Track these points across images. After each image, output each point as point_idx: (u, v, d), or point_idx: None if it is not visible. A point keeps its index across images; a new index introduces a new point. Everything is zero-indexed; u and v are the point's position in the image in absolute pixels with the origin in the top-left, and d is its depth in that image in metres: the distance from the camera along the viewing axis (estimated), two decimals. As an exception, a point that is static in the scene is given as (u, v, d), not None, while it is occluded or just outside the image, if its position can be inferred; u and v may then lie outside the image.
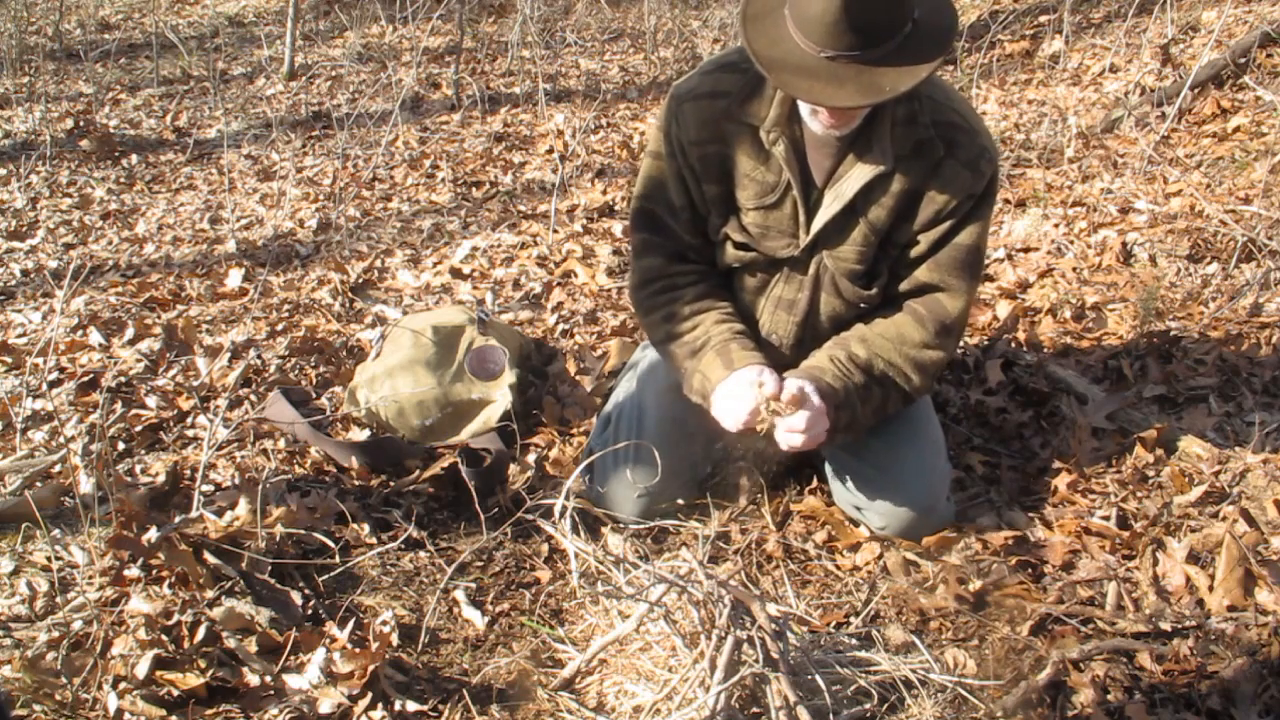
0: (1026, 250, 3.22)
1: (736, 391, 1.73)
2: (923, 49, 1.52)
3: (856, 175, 1.72)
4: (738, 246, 1.85)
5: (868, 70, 1.50)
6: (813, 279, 1.84)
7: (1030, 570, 1.89)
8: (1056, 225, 3.33)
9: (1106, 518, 1.98)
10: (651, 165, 1.86)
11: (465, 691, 1.60)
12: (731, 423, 1.75)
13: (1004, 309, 2.77)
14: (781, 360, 1.95)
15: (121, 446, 2.26)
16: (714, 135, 1.77)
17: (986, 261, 3.13)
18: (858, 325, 1.88)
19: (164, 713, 1.50)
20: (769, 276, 1.88)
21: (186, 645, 1.59)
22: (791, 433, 1.69)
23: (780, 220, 1.80)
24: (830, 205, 1.75)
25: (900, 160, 1.70)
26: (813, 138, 1.72)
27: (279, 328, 2.88)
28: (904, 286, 1.84)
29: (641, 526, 2.00)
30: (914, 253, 1.80)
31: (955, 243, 1.77)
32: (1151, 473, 2.10)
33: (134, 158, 4.64)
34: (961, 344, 2.59)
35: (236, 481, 2.08)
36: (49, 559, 1.81)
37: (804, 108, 1.67)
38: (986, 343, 2.61)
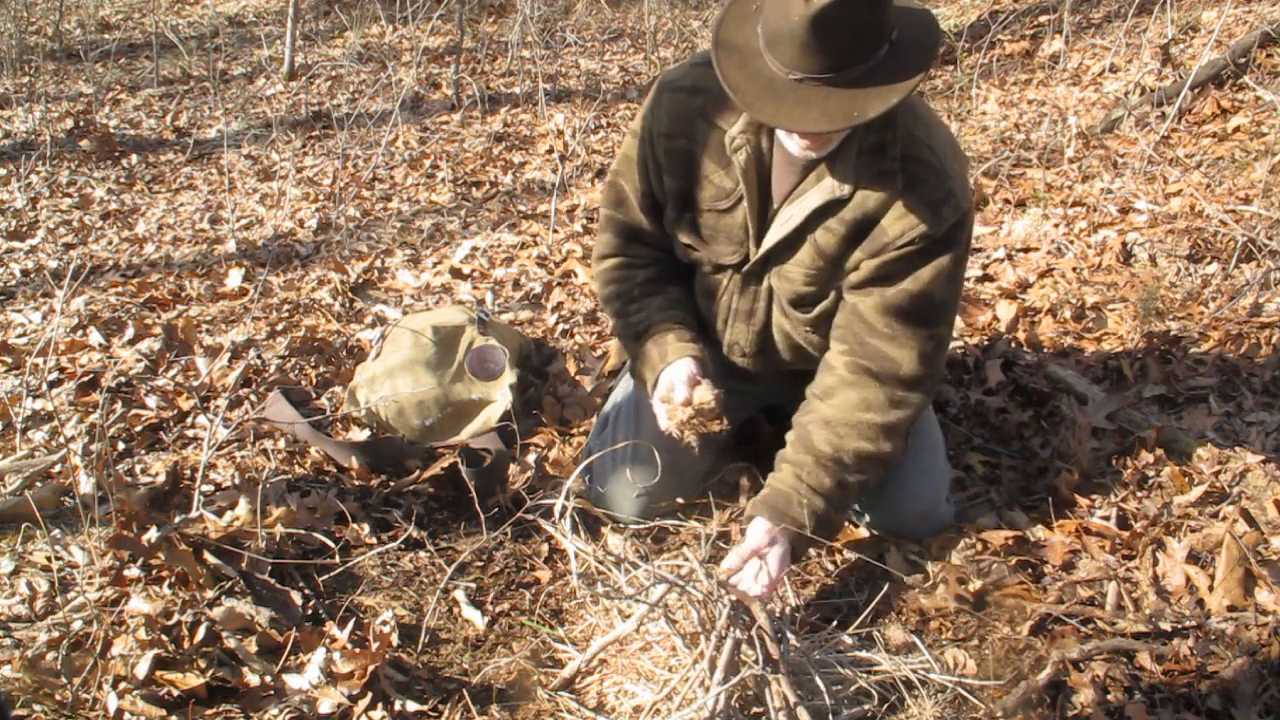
0: (1026, 250, 3.22)
1: (663, 394, 1.79)
2: (898, 71, 1.44)
3: (812, 197, 1.67)
4: (686, 245, 1.86)
5: (837, 93, 1.44)
6: (766, 294, 1.84)
7: (1030, 570, 1.89)
8: (1056, 225, 3.33)
9: (1106, 518, 1.98)
10: (630, 144, 1.86)
11: (465, 691, 1.60)
12: (660, 421, 1.81)
13: (1004, 309, 2.77)
14: (744, 370, 1.96)
15: (121, 446, 2.26)
16: (684, 131, 1.75)
17: (986, 262, 3.13)
18: (815, 409, 1.77)
19: (164, 713, 1.50)
20: (721, 280, 1.88)
21: (186, 645, 1.59)
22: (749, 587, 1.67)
23: (730, 227, 1.78)
24: (783, 224, 1.71)
25: (859, 189, 1.64)
26: (781, 152, 1.67)
27: (279, 328, 2.88)
28: (848, 320, 1.74)
29: (641, 526, 2.00)
30: (854, 277, 1.71)
31: (903, 287, 1.67)
32: (1151, 473, 2.10)
33: (134, 158, 4.64)
34: (961, 344, 2.59)
35: (236, 481, 2.08)
36: (49, 559, 1.81)
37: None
38: (986, 343, 2.61)
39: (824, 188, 1.65)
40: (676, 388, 1.76)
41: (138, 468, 2.19)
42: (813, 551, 1.98)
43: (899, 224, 1.64)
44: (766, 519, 1.71)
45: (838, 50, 1.42)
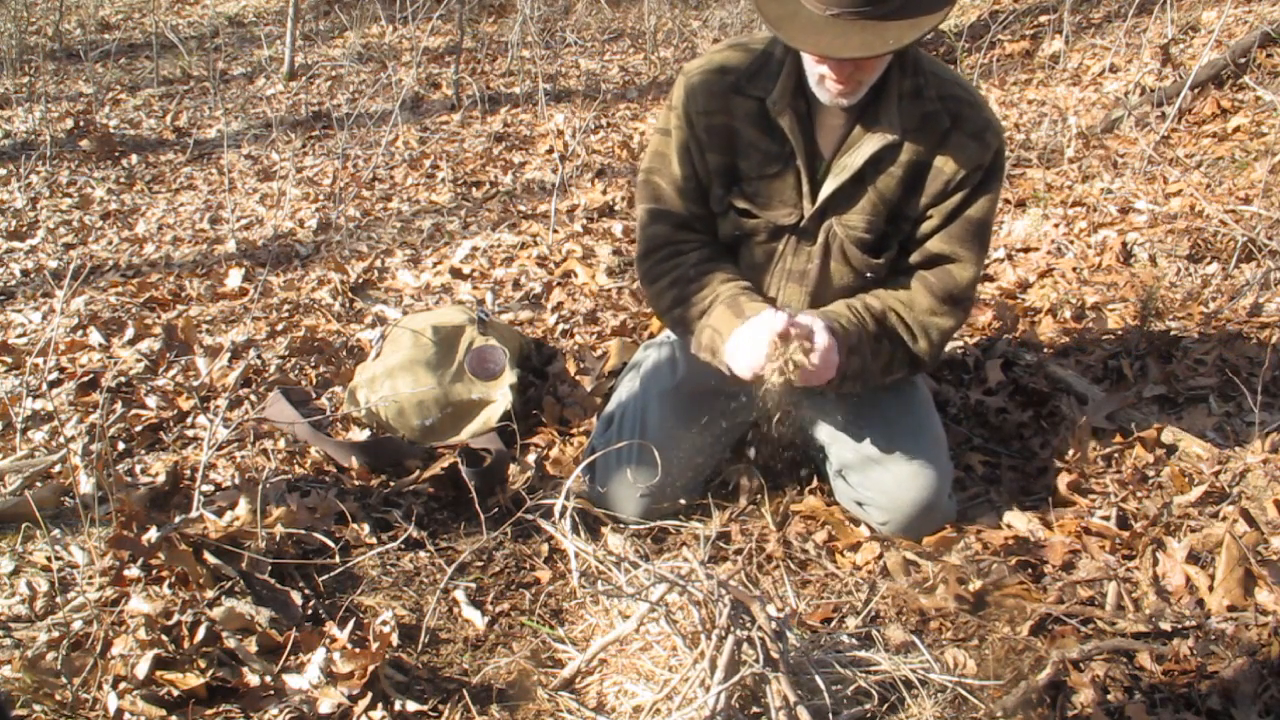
0: (1026, 250, 3.22)
1: (750, 336, 1.71)
2: (924, 8, 1.58)
3: (866, 145, 1.76)
4: (740, 213, 1.88)
5: (872, 25, 1.56)
6: (822, 247, 1.87)
7: (1030, 570, 1.89)
8: (1056, 225, 3.33)
9: (1106, 518, 1.98)
10: (659, 140, 1.90)
11: (465, 691, 1.60)
12: (745, 367, 1.72)
13: (1004, 309, 2.77)
14: None
15: (121, 446, 2.26)
16: (721, 107, 1.81)
17: (986, 262, 3.13)
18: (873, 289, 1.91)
19: (164, 713, 1.50)
20: (774, 246, 1.90)
21: (186, 645, 1.59)
22: (800, 365, 1.67)
23: (782, 190, 1.84)
24: (839, 175, 1.78)
25: (908, 132, 1.75)
26: (822, 112, 1.77)
27: (279, 328, 2.88)
28: (915, 258, 1.87)
29: (642, 526, 2.00)
30: (926, 227, 1.83)
31: (965, 215, 1.80)
32: (1151, 473, 2.10)
33: (134, 158, 4.64)
34: (962, 344, 2.59)
35: (236, 481, 2.08)
36: (49, 559, 1.81)
37: (811, 78, 1.71)
38: (986, 343, 2.61)
39: (875, 137, 1.75)
40: (774, 323, 1.68)
41: (138, 468, 2.19)
42: (812, 550, 1.98)
43: (953, 161, 1.76)
44: (816, 317, 1.73)
45: None
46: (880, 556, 1.95)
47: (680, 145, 1.87)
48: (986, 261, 1.88)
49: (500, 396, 2.37)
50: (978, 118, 1.76)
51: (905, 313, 1.86)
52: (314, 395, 2.49)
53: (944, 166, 1.76)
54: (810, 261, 1.89)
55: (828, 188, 1.80)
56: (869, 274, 1.88)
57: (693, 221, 1.93)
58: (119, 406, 2.41)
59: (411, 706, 1.55)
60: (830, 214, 1.84)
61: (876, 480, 1.95)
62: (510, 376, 2.41)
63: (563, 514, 1.59)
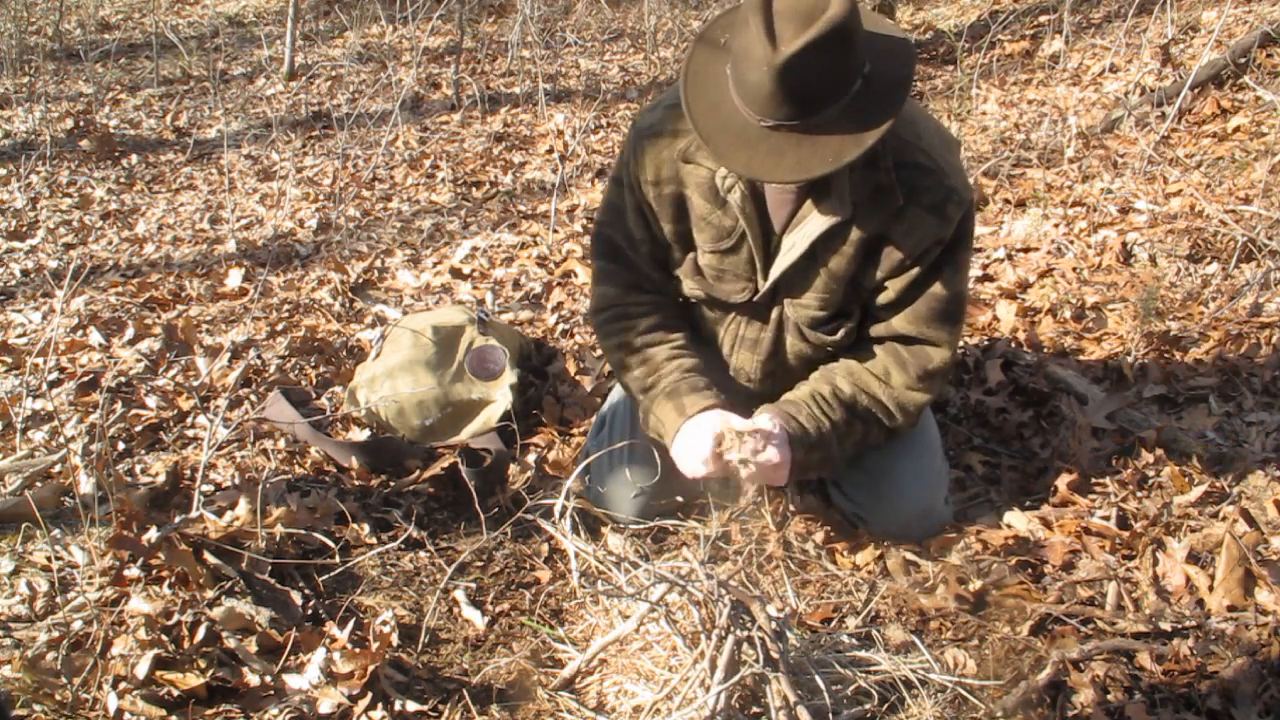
0: (1026, 250, 3.22)
1: (694, 438, 1.72)
2: (871, 111, 1.43)
3: (813, 224, 1.64)
4: (692, 290, 1.84)
5: (809, 140, 1.43)
6: (775, 323, 1.82)
7: (1030, 570, 1.89)
8: (1056, 225, 3.33)
9: (1106, 518, 1.98)
10: (614, 192, 1.83)
11: (465, 691, 1.60)
12: (689, 470, 1.75)
13: (1004, 309, 2.77)
14: (751, 394, 1.93)
15: (121, 446, 2.26)
16: (671, 176, 1.72)
17: (986, 262, 3.13)
18: (844, 360, 1.84)
19: (164, 713, 1.50)
20: (726, 314, 1.87)
21: (186, 645, 1.59)
22: (749, 466, 1.68)
23: (736, 264, 1.76)
24: (788, 253, 1.69)
25: (859, 207, 1.62)
26: (770, 185, 1.66)
27: (279, 328, 2.88)
28: (882, 332, 1.78)
29: (641, 526, 2.00)
30: (882, 299, 1.74)
31: (931, 293, 1.70)
32: (1151, 473, 2.10)
33: (134, 158, 4.64)
34: (961, 344, 2.59)
35: (236, 481, 2.08)
36: (49, 559, 1.81)
37: None
38: (986, 343, 2.61)
39: (822, 215, 1.63)
40: (705, 439, 1.69)
41: (138, 468, 2.19)
42: (812, 550, 1.98)
43: (911, 239, 1.64)
44: (772, 413, 1.71)
45: (807, 98, 1.40)
46: (880, 556, 1.95)
47: (634, 208, 1.80)
48: (965, 316, 1.77)
49: (500, 396, 2.37)
50: (937, 188, 1.61)
51: (880, 391, 1.78)
52: (314, 395, 2.49)
53: (899, 243, 1.64)
54: (763, 332, 1.83)
55: (778, 267, 1.70)
56: (829, 349, 1.82)
57: (643, 282, 1.88)
58: (119, 406, 2.41)
59: (411, 706, 1.55)
60: (783, 294, 1.76)
61: (871, 490, 1.94)
62: (510, 376, 2.41)
63: (562, 514, 1.59)
